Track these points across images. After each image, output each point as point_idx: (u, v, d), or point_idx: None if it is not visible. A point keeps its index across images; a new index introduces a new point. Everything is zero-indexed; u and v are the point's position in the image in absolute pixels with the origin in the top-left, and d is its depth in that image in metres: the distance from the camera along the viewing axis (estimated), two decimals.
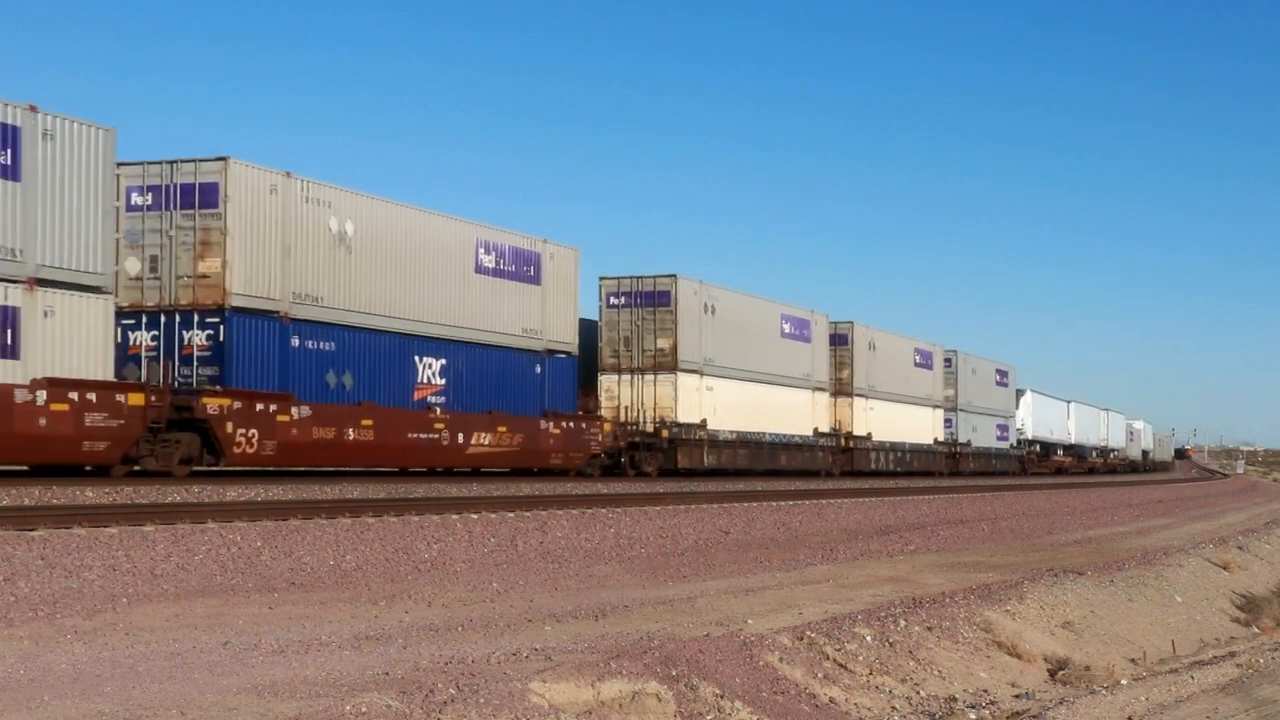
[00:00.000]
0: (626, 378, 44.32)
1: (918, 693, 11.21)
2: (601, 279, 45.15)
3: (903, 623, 12.51)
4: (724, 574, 17.12)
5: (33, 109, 24.36)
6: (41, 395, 23.74)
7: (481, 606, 13.00)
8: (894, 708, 10.71)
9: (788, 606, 13.48)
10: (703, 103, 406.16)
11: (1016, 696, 11.69)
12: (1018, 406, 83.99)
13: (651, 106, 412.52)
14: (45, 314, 24.10)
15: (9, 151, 23.73)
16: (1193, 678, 12.39)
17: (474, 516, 21.97)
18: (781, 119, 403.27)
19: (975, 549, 23.06)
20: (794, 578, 16.76)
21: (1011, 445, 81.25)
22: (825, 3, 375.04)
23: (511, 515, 22.65)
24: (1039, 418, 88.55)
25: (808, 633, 11.41)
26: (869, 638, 11.78)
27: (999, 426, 78.38)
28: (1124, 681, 12.35)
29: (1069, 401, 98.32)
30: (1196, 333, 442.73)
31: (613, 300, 44.76)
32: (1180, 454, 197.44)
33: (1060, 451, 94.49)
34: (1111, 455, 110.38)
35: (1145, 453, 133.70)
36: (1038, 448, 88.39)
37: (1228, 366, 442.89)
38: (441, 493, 28.13)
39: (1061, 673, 12.82)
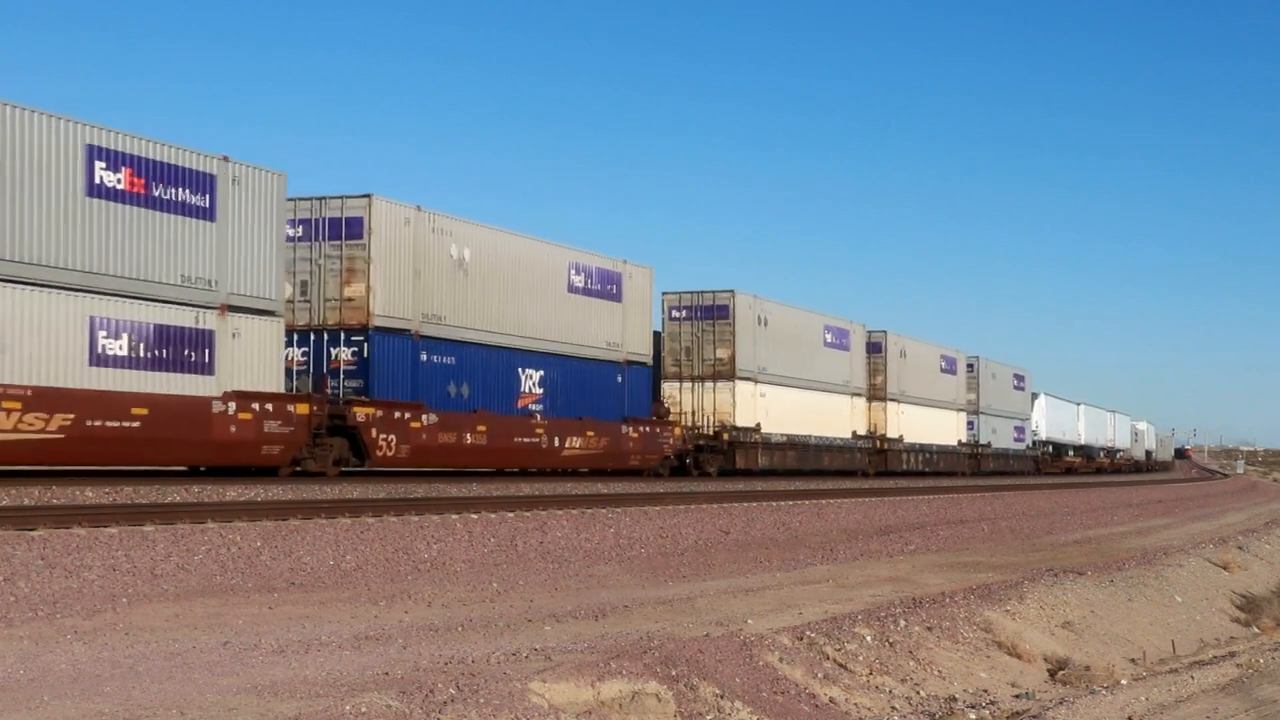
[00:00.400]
0: (688, 385, 47.81)
1: (918, 693, 11.21)
2: (665, 294, 48.40)
3: (903, 623, 12.51)
4: (724, 574, 17.12)
5: (225, 159, 28.20)
6: (232, 406, 27.53)
7: (481, 606, 13.00)
8: (894, 708, 10.70)
9: (788, 606, 13.48)
10: (726, 114, 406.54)
11: (1016, 696, 11.69)
12: (1032, 409, 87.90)
13: (670, 116, 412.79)
14: (233, 335, 28.00)
15: (208, 196, 27.69)
16: (1193, 678, 12.39)
17: (474, 516, 21.96)
18: (817, 135, 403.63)
19: (975, 549, 23.06)
20: (794, 578, 16.76)
21: (1027, 446, 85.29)
22: (859, 3, 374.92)
23: (511, 515, 22.63)
24: (1052, 420, 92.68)
25: (808, 633, 11.40)
26: (869, 638, 11.78)
27: (1016, 428, 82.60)
28: (1124, 681, 12.35)
29: (1079, 404, 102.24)
30: (1196, 333, 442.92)
31: (675, 313, 48.25)
32: (1180, 454, 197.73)
33: (1071, 452, 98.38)
34: (1118, 455, 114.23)
35: (1149, 453, 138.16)
36: (1050, 448, 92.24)
37: (1228, 366, 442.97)
38: (441, 493, 28.13)
39: (1061, 673, 12.82)
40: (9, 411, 23.49)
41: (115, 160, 25.87)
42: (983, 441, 74.47)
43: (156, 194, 26.57)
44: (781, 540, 23.33)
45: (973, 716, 10.60)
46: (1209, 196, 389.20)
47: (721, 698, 9.42)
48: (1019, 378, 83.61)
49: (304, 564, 15.96)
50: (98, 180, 25.52)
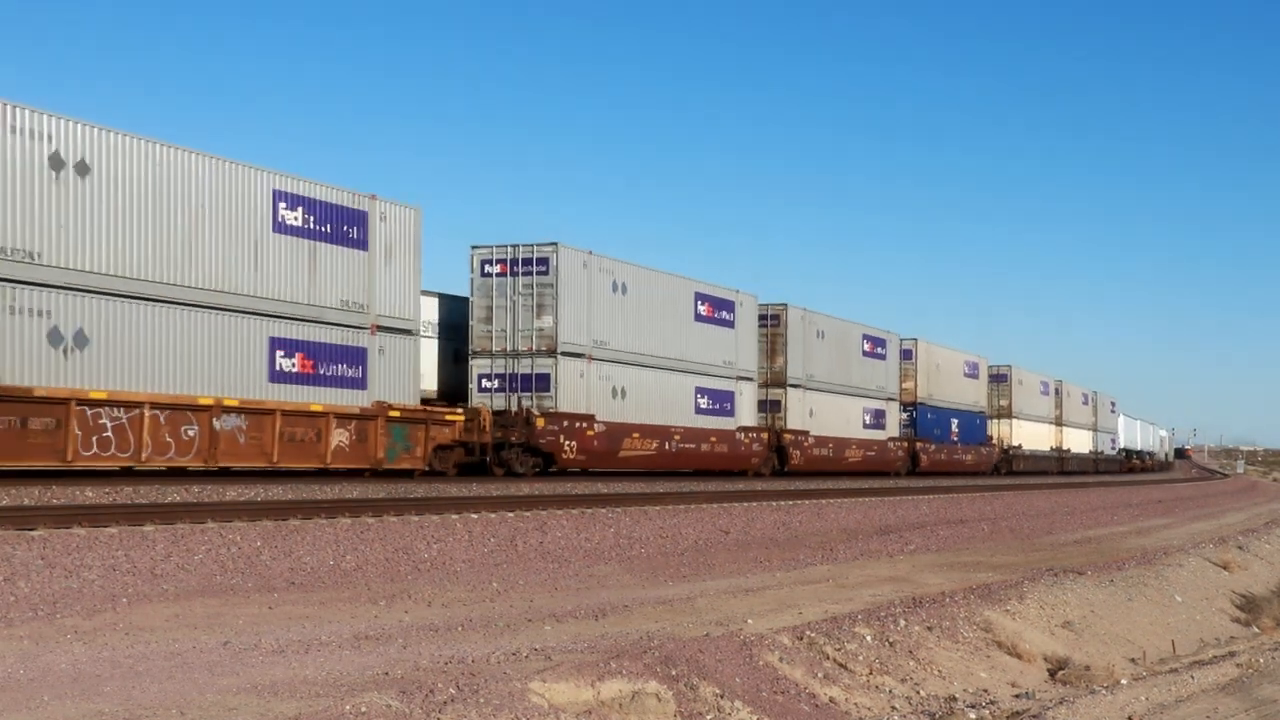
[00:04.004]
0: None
1: (918, 692, 11.21)
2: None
3: (903, 623, 12.52)
4: (724, 574, 17.13)
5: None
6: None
7: (481, 606, 13.01)
8: (894, 707, 10.71)
9: (788, 606, 13.49)
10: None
11: (1016, 696, 11.70)
12: (1117, 425, 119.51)
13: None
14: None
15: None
16: (1193, 677, 12.40)
17: (474, 516, 21.96)
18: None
19: (975, 549, 23.07)
20: (794, 578, 16.77)
21: (1116, 453, 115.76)
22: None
23: (511, 515, 22.64)
24: (1126, 432, 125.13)
25: (808, 633, 11.41)
26: (869, 637, 11.79)
27: (1110, 440, 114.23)
28: (1124, 681, 12.36)
29: (1138, 419, 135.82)
30: (1196, 332, 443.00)
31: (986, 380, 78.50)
32: (1180, 453, 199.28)
33: (1134, 456, 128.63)
34: (1153, 457, 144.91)
35: (1167, 454, 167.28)
36: (1124, 453, 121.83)
37: (1228, 366, 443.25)
38: (441, 493, 28.13)
39: (1061, 672, 12.83)
40: None
41: None
42: (1099, 450, 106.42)
43: None
44: (781, 540, 23.34)
45: (973, 716, 10.60)
46: (1208, 195, 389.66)
47: (721, 697, 9.43)
48: (1113, 403, 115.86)
49: (304, 564, 15.97)
50: None
